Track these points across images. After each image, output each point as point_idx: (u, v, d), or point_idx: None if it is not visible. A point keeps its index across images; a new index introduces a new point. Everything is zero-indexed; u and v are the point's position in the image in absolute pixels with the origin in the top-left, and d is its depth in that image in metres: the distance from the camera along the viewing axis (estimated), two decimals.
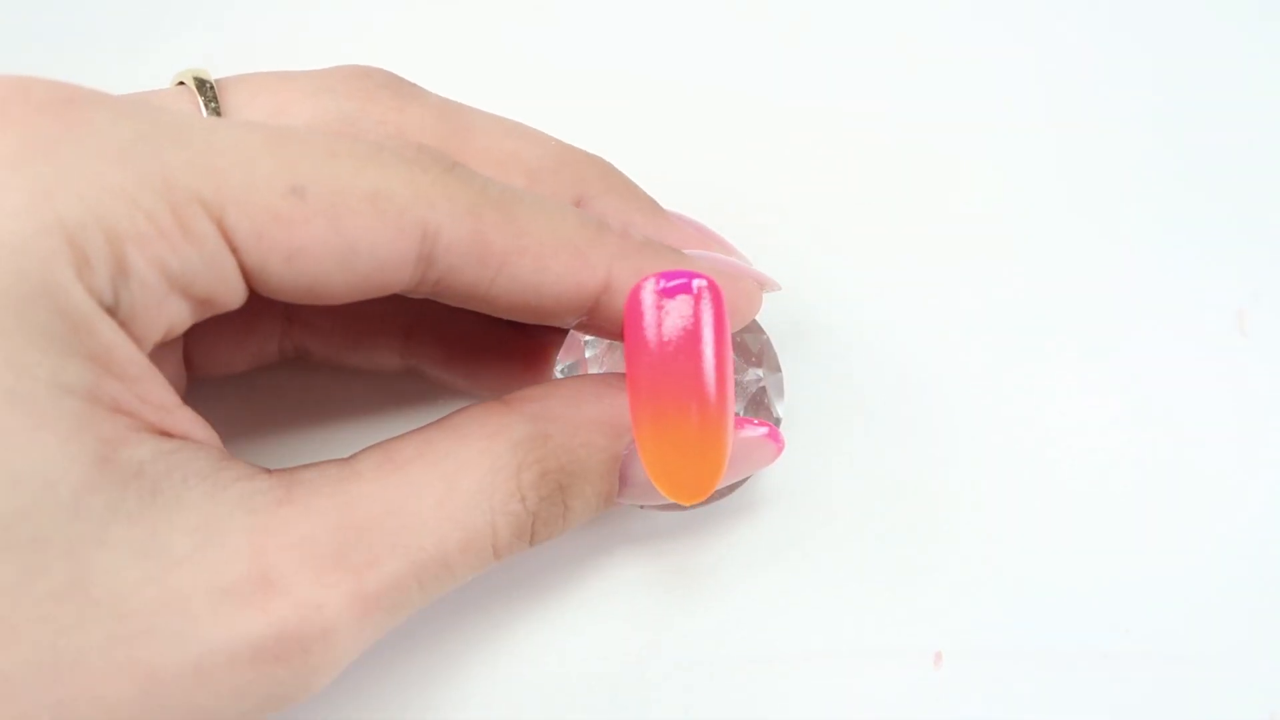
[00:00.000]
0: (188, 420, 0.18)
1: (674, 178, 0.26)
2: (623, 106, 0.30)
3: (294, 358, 0.24)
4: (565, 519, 0.21)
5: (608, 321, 0.21)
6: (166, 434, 0.17)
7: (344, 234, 0.18)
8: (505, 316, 0.21)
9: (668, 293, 0.19)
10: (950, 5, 0.31)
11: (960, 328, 0.27)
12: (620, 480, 0.21)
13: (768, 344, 0.25)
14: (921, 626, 0.25)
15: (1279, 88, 0.30)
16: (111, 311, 0.17)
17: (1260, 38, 0.31)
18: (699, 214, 0.25)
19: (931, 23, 0.31)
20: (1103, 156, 0.29)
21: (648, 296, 0.19)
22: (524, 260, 0.19)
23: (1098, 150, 0.29)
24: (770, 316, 0.26)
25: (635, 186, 0.24)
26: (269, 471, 0.18)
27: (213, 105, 0.21)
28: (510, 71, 0.30)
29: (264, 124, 0.19)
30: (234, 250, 0.17)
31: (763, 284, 0.23)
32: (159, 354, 0.18)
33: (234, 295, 0.18)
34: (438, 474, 0.19)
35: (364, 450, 0.20)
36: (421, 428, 0.20)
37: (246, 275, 0.18)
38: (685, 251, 0.23)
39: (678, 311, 0.19)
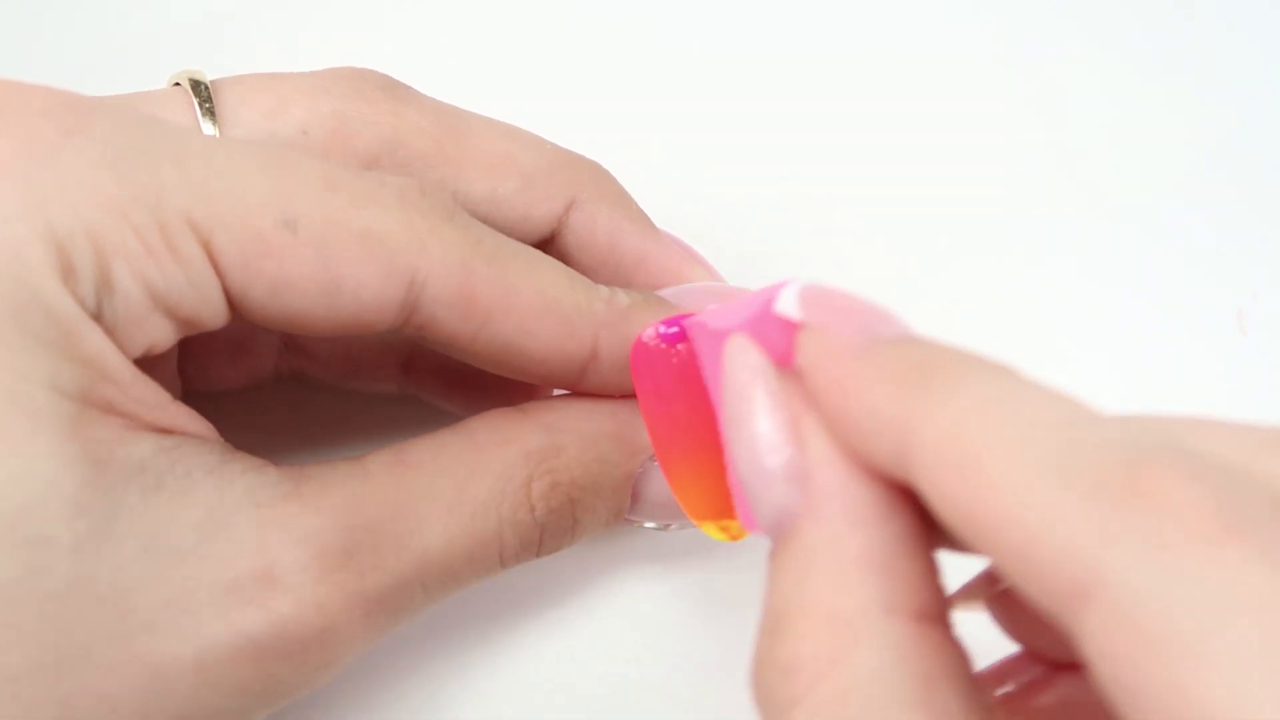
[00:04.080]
0: (185, 416, 0.18)
1: (672, 183, 0.26)
2: (620, 111, 0.29)
3: (290, 377, 0.24)
4: (574, 532, 0.21)
5: (596, 389, 0.21)
6: (165, 430, 0.17)
7: (331, 271, 0.18)
8: (492, 371, 0.20)
9: (668, 340, 0.20)
10: (951, 7, 0.31)
11: (961, 331, 0.27)
12: (631, 497, 0.21)
13: None
14: None
15: (1279, 88, 0.30)
16: (96, 320, 0.16)
17: (1261, 38, 0.31)
18: (695, 221, 0.25)
19: (932, 26, 0.31)
20: (1103, 158, 0.30)
21: (649, 350, 0.19)
22: (508, 320, 0.19)
23: (1098, 153, 0.30)
24: None
25: (628, 196, 0.24)
26: (277, 465, 0.18)
27: (208, 106, 0.21)
28: (506, 75, 0.30)
29: (265, 147, 0.18)
30: (219, 274, 0.17)
31: None
32: (150, 367, 0.18)
33: (216, 317, 0.18)
34: (448, 479, 0.19)
35: (376, 450, 0.19)
36: (435, 431, 0.20)
37: (230, 299, 0.18)
38: (677, 288, 0.22)
39: (680, 359, 0.19)
